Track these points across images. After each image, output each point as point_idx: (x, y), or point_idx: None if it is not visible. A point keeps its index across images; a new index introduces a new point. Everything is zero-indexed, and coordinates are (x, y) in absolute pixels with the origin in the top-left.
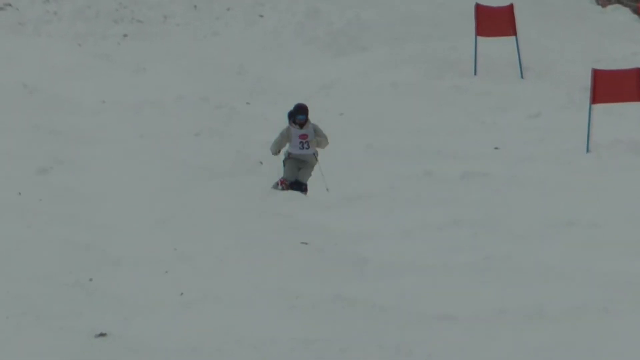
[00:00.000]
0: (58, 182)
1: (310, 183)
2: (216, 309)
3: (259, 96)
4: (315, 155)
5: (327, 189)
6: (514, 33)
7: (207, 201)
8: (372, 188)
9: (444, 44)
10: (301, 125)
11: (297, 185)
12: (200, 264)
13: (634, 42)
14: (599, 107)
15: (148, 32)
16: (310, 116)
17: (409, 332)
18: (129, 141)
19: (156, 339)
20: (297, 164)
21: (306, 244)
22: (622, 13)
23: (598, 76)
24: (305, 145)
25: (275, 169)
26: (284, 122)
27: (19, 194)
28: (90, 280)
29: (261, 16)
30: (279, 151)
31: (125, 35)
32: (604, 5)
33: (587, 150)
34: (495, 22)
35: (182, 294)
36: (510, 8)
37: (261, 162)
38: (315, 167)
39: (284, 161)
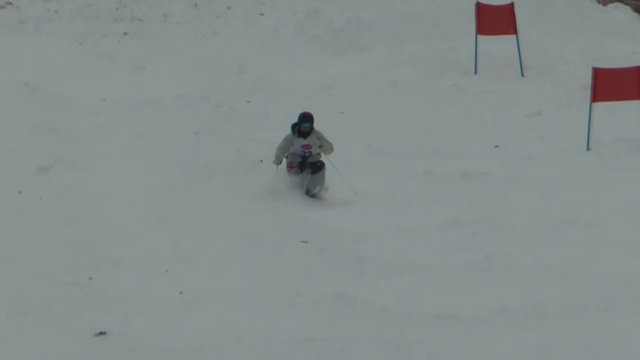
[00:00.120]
0: (58, 181)
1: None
2: (216, 308)
3: (259, 95)
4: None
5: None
6: (515, 32)
7: (207, 200)
8: (372, 187)
9: (444, 44)
10: (305, 135)
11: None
12: (200, 263)
13: (634, 40)
14: (599, 106)
15: (148, 30)
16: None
17: (409, 331)
18: (129, 140)
19: (156, 338)
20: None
21: (306, 243)
22: (622, 12)
23: (598, 75)
24: (308, 154)
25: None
26: (285, 121)
27: (19, 192)
28: (90, 279)
29: (261, 15)
30: (281, 162)
31: (125, 34)
32: (604, 4)
33: (588, 149)
34: (495, 21)
35: (181, 293)
36: (510, 6)
37: (261, 161)
38: (329, 171)
39: (285, 156)
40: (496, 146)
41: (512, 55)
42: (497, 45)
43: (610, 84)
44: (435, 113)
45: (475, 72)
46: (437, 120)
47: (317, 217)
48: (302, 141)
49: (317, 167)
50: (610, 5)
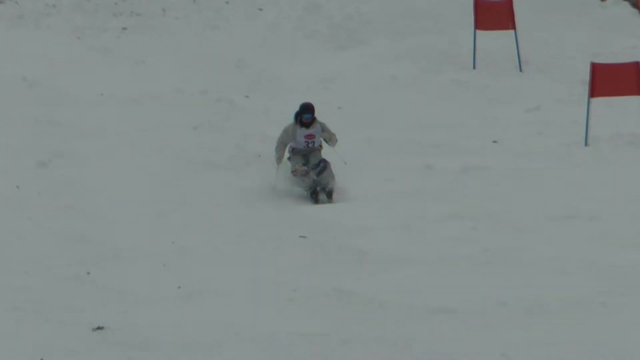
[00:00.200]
0: (57, 175)
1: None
2: (215, 303)
3: (259, 90)
4: (320, 147)
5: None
6: (513, 27)
7: (206, 194)
8: (371, 181)
9: (444, 38)
10: (307, 125)
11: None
12: (199, 258)
13: (633, 36)
14: (597, 101)
15: (147, 25)
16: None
17: (408, 325)
18: (128, 134)
19: (155, 332)
20: (302, 159)
21: (305, 237)
22: (621, 7)
23: (597, 70)
24: (311, 145)
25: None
26: (284, 116)
27: (17, 187)
28: (89, 273)
29: (261, 9)
30: (281, 159)
31: (124, 29)
32: None
33: (586, 144)
34: (494, 16)
35: (179, 287)
36: (509, 2)
37: (260, 155)
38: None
39: (288, 158)
40: (494, 141)
41: (511, 50)
42: (496, 40)
43: (609, 79)
44: (434, 107)
45: (474, 67)
46: (437, 114)
47: (316, 211)
48: (305, 131)
49: (322, 167)
50: (609, 0)
